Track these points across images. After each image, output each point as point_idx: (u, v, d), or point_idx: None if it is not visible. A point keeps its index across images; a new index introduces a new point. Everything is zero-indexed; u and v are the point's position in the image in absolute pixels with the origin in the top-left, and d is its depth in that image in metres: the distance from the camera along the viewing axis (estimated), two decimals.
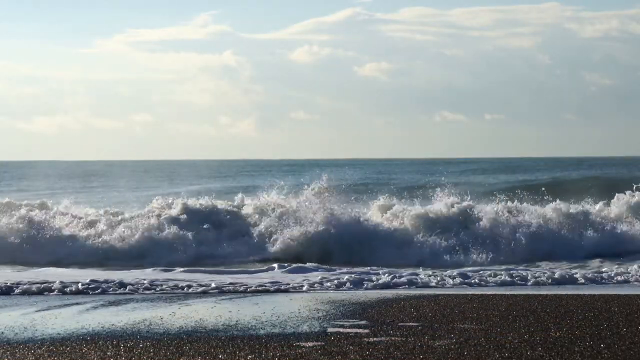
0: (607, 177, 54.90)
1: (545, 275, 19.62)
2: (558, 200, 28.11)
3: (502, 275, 19.55)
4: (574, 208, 27.69)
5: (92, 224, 26.52)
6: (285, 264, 21.66)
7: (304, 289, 17.88)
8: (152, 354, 10.51)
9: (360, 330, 11.99)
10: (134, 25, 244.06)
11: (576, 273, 20.05)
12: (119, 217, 27.06)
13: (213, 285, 17.87)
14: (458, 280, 18.96)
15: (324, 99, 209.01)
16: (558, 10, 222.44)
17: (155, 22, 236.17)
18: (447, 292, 17.06)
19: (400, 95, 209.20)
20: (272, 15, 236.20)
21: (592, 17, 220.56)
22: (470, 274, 19.79)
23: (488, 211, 26.94)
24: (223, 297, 16.28)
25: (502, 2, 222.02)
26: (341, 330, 12.05)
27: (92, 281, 17.97)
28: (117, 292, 17.25)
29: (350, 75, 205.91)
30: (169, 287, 17.87)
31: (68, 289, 17.24)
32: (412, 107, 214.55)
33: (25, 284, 17.74)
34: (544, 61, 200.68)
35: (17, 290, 17.23)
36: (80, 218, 26.94)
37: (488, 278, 19.28)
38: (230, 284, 18.19)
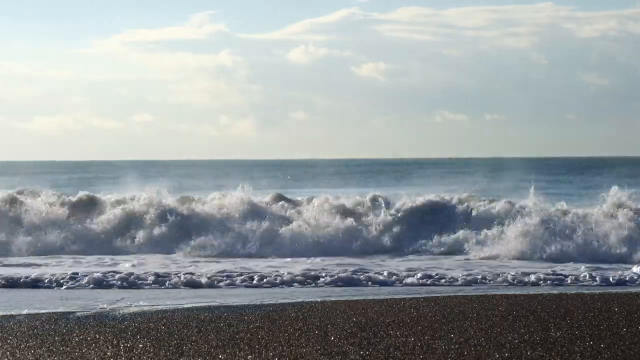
0: None
1: None
2: None
3: None
4: None
5: None
6: None
7: None
8: (152, 354, 10.50)
9: (360, 330, 11.98)
10: (131, 26, 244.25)
11: None
12: None
13: None
14: None
15: (323, 99, 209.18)
16: (552, 10, 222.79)
17: (152, 22, 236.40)
18: (447, 293, 17.07)
19: (399, 95, 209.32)
20: (268, 15, 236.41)
21: (587, 17, 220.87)
22: None
23: None
24: None
25: (495, 2, 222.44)
26: (341, 330, 12.04)
27: None
28: None
29: (348, 75, 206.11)
30: None
31: None
32: (412, 107, 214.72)
33: None
34: (541, 61, 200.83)
35: None
36: None
37: None
38: None
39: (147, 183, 31.43)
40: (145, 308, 14.92)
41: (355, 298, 16.21)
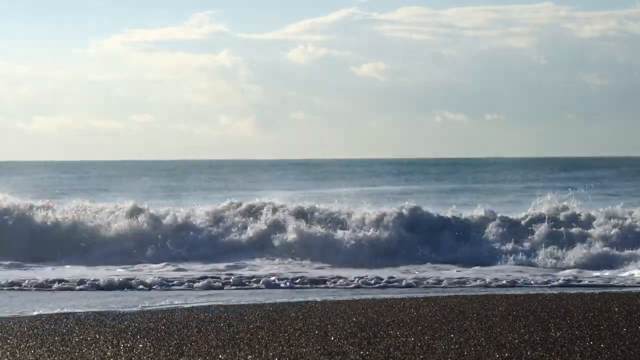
0: None
1: None
2: None
3: None
4: None
5: None
6: None
7: None
8: (152, 354, 10.50)
9: (360, 330, 11.99)
10: (131, 26, 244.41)
11: None
12: None
13: None
14: None
15: (323, 99, 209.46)
16: (552, 10, 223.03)
17: (151, 22, 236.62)
18: (447, 293, 17.07)
19: (399, 95, 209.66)
20: (268, 15, 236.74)
21: (587, 17, 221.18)
22: None
23: None
24: None
25: (495, 2, 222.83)
26: (341, 330, 12.05)
27: None
28: None
29: (348, 75, 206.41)
30: None
31: None
32: (411, 107, 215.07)
33: None
34: (541, 61, 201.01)
35: None
36: None
37: None
38: None
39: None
40: (145, 308, 14.93)
41: (355, 298, 16.21)
